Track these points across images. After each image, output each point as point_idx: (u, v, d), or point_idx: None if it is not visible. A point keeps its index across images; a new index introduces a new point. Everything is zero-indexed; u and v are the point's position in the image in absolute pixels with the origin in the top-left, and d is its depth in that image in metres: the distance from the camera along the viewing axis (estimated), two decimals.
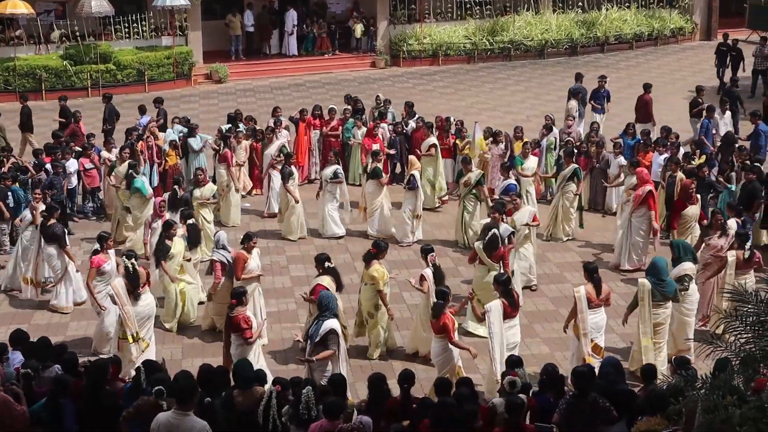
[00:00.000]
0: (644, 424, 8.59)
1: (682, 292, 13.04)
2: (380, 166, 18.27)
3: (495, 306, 12.31)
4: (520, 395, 9.79)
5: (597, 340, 12.60)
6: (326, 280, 13.03)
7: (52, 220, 15.42)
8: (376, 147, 19.53)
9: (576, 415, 9.50)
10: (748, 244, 14.14)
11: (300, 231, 18.34)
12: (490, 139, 20.00)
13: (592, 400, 9.46)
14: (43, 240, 15.43)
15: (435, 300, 12.48)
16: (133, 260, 13.03)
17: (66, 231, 15.98)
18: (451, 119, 21.25)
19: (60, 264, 15.30)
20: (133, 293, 12.90)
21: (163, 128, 21.54)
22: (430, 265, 13.52)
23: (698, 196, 16.78)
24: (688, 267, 13.25)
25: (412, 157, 18.87)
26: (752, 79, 29.25)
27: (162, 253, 14.46)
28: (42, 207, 15.92)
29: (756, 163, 17.74)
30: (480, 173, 17.59)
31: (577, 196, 18.08)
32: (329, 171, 18.27)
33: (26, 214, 16.11)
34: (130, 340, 12.84)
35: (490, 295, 13.71)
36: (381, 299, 13.51)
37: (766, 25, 35.17)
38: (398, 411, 9.94)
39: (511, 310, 12.37)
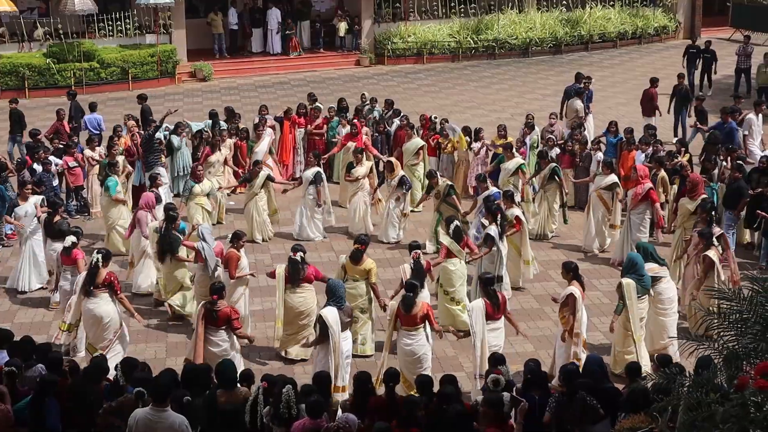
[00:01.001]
0: (628, 422, 8.63)
1: (652, 291, 13.16)
2: (357, 162, 18.30)
3: (477, 305, 12.31)
4: (504, 393, 9.84)
5: (583, 335, 12.65)
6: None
7: (58, 217, 15.32)
8: (352, 145, 19.59)
9: (566, 413, 9.53)
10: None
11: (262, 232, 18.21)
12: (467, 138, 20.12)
13: (580, 399, 9.49)
14: (48, 237, 15.33)
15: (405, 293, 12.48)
16: (99, 257, 12.96)
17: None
18: (434, 117, 21.28)
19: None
20: (86, 289, 12.87)
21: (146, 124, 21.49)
22: (412, 260, 13.56)
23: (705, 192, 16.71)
24: (648, 267, 13.28)
25: (395, 160, 18.69)
26: (735, 78, 29.35)
27: (172, 245, 14.46)
28: (33, 200, 15.96)
29: (740, 161, 17.80)
30: (446, 184, 17.17)
31: (558, 194, 18.12)
32: (310, 173, 18.11)
33: (26, 209, 16.01)
34: (63, 327, 13.26)
35: (463, 287, 14.37)
36: (374, 292, 13.58)
37: (749, 24, 35.36)
38: (383, 409, 9.95)
39: (492, 311, 12.31)
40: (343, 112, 22.10)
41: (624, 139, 19.81)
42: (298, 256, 13.35)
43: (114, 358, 12.48)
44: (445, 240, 14.47)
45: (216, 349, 12.13)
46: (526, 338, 13.26)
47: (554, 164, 18.27)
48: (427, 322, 12.29)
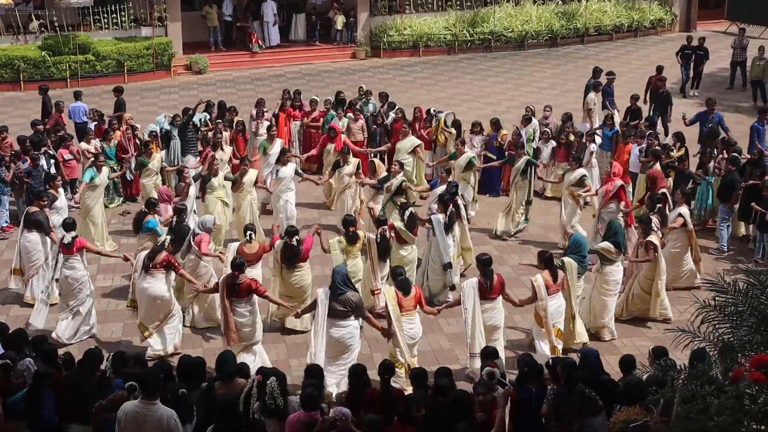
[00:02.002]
0: (623, 415, 8.64)
1: (603, 270, 13.85)
2: (344, 161, 18.06)
3: (470, 283, 12.57)
4: (499, 386, 9.87)
5: (558, 325, 12.91)
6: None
7: (35, 208, 15.16)
8: (332, 146, 19.56)
9: (564, 406, 9.54)
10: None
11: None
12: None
13: (579, 392, 9.50)
14: (24, 228, 15.12)
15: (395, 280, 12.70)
16: (168, 239, 13.48)
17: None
18: (432, 111, 21.19)
19: (41, 253, 15.00)
20: (146, 264, 13.18)
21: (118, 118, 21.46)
22: (378, 234, 13.93)
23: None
24: (603, 246, 13.84)
25: (377, 162, 18.53)
26: (731, 71, 29.37)
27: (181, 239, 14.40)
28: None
29: (735, 154, 17.80)
30: (402, 180, 16.92)
31: (528, 190, 18.00)
32: (289, 169, 17.72)
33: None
34: (129, 304, 14.07)
35: (412, 272, 14.75)
36: (369, 255, 13.95)
37: (745, 17, 35.34)
38: (378, 402, 9.96)
39: (484, 289, 12.51)
40: (340, 105, 22.07)
41: (620, 132, 19.81)
42: (294, 240, 13.66)
43: (167, 337, 13.27)
44: (397, 224, 14.75)
45: (242, 319, 12.51)
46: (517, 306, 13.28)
47: (528, 157, 18.09)
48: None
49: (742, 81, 28.88)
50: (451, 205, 15.08)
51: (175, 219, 14.78)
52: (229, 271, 12.83)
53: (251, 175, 17.30)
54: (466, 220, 16.07)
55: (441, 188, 16.33)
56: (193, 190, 16.70)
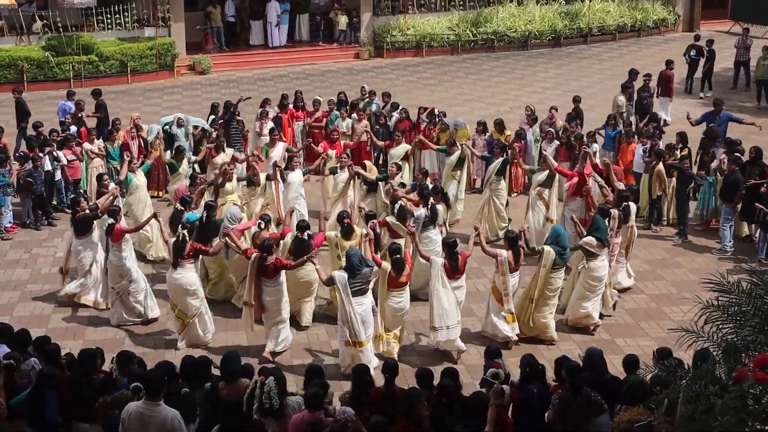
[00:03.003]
0: (627, 415, 8.64)
1: (588, 266, 14.08)
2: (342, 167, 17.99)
3: (436, 261, 13.34)
4: (504, 386, 9.85)
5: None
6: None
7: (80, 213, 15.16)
8: (333, 152, 19.21)
9: (570, 410, 9.53)
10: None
11: None
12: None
13: (585, 395, 9.50)
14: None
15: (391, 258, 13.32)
16: (185, 233, 13.61)
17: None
18: (436, 112, 21.17)
19: (86, 257, 15.06)
20: (174, 261, 13.67)
21: (104, 122, 21.45)
22: (369, 229, 14.00)
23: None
24: (586, 240, 14.03)
25: (369, 164, 18.40)
26: (734, 71, 29.34)
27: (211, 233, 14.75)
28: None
29: (737, 154, 17.80)
30: (385, 176, 17.20)
31: (506, 190, 18.09)
32: (298, 175, 17.70)
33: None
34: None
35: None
36: (366, 251, 13.82)
37: (749, 17, 35.30)
38: (381, 401, 9.97)
39: (450, 271, 13.30)
40: (342, 105, 22.07)
41: (623, 132, 19.80)
42: (306, 234, 13.97)
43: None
44: (389, 219, 15.00)
45: (272, 297, 13.27)
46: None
47: (504, 158, 17.93)
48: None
49: (746, 81, 28.84)
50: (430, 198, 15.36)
51: (205, 214, 14.91)
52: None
53: (263, 175, 17.49)
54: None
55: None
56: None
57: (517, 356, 11.38)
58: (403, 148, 19.45)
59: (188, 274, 13.65)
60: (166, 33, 31.92)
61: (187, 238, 13.63)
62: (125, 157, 18.06)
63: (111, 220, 14.43)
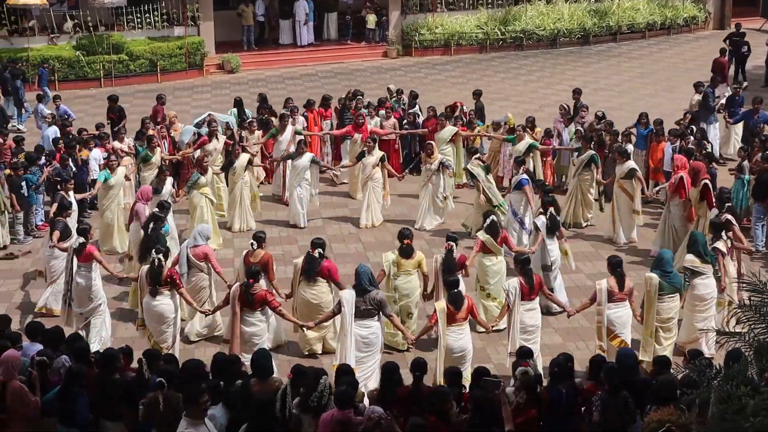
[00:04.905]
0: (657, 415, 8.59)
1: (692, 283, 13.10)
2: (369, 151, 18.44)
3: (512, 283, 12.47)
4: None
5: (622, 336, 12.52)
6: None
7: (60, 218, 14.94)
8: (358, 136, 19.67)
9: (610, 411, 9.51)
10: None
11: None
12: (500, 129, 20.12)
13: (623, 397, 9.48)
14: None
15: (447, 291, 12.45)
16: (161, 257, 12.80)
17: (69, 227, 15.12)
18: (464, 108, 21.20)
19: (57, 265, 14.65)
20: (151, 289, 12.83)
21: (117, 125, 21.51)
22: (444, 250, 13.54)
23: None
24: (687, 259, 13.30)
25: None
26: (766, 68, 29.09)
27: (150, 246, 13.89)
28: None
29: None
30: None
31: (595, 182, 18.07)
32: (306, 160, 18.10)
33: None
34: (139, 323, 13.32)
35: (499, 283, 14.04)
36: (424, 282, 13.61)
37: None
38: (410, 400, 9.96)
39: (528, 291, 12.44)
40: (370, 103, 22.11)
41: (654, 131, 19.68)
42: (317, 252, 13.31)
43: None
44: (481, 235, 14.37)
45: (252, 329, 12.43)
46: (570, 314, 13.11)
47: (593, 152, 18.15)
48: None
49: None
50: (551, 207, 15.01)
51: (152, 225, 14.28)
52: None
53: (242, 159, 17.71)
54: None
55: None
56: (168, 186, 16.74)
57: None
58: (450, 130, 19.48)
59: (165, 302, 12.74)
60: (196, 32, 32.08)
61: (164, 263, 12.79)
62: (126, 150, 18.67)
63: (82, 239, 13.72)
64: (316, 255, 13.28)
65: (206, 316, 13.76)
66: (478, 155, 17.95)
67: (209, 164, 17.96)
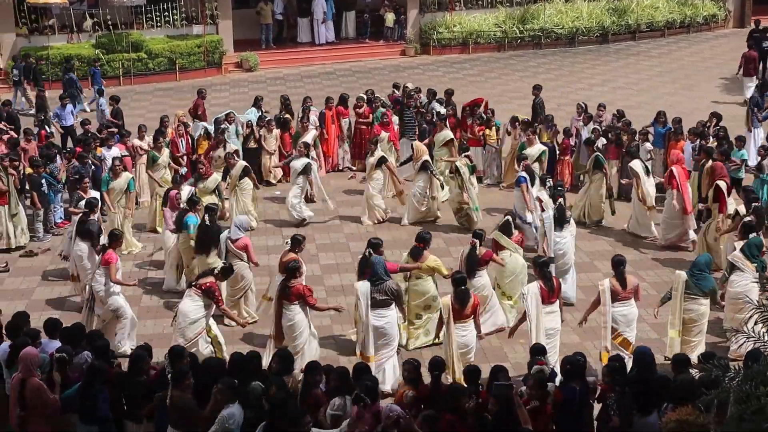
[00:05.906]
0: (675, 414, 8.57)
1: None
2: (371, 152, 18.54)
3: (532, 288, 12.38)
4: (548, 383, 9.85)
5: (626, 335, 12.50)
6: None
7: (92, 216, 15.06)
8: (385, 135, 19.84)
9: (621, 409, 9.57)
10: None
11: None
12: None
13: (628, 395, 9.51)
14: (77, 236, 14.89)
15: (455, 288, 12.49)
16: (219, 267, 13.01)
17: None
18: (481, 109, 21.17)
19: (90, 264, 14.61)
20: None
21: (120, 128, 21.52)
22: (470, 246, 13.60)
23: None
24: (735, 254, 13.33)
25: (418, 144, 18.86)
26: None
27: (214, 238, 14.34)
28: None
29: None
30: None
31: (604, 183, 17.99)
32: (299, 164, 18.21)
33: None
34: None
35: (516, 282, 14.15)
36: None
37: None
38: (428, 398, 9.98)
39: (547, 294, 12.34)
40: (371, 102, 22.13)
41: (672, 130, 19.60)
42: (368, 251, 13.22)
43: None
44: (495, 234, 14.42)
45: (288, 322, 12.51)
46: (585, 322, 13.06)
47: (597, 153, 18.14)
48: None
49: None
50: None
51: (207, 218, 14.57)
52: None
53: (237, 168, 17.68)
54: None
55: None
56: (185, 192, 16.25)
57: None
58: (444, 135, 19.59)
59: (189, 303, 12.43)
60: (214, 30, 32.17)
61: (216, 272, 12.72)
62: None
63: (105, 244, 13.70)
64: (367, 254, 13.19)
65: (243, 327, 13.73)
66: (467, 153, 18.24)
67: (215, 169, 18.09)
